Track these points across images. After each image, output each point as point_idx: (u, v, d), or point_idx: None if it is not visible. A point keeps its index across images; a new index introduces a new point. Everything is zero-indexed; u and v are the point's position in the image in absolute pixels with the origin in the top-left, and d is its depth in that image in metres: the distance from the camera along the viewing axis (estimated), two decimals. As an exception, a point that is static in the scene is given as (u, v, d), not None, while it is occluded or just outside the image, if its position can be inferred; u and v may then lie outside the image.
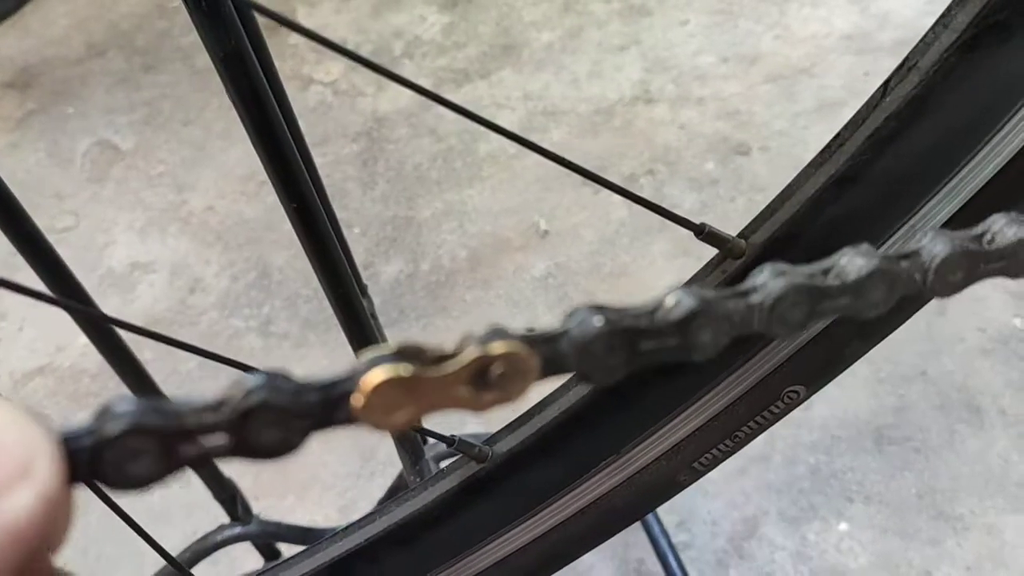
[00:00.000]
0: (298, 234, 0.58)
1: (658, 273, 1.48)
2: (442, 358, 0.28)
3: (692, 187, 1.61)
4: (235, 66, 0.47)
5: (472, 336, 0.28)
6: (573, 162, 0.46)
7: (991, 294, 1.37)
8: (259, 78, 0.47)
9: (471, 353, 0.28)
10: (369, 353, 0.27)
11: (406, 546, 0.58)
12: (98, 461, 0.24)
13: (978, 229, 0.34)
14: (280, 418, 0.26)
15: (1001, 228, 0.33)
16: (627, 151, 1.70)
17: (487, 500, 0.57)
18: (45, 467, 0.22)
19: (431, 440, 0.93)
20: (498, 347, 0.28)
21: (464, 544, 0.59)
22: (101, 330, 0.77)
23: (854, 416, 1.29)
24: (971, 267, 0.32)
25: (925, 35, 0.42)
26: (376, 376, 0.26)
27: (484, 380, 0.28)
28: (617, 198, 1.61)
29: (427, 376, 0.27)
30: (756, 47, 1.84)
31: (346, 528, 0.57)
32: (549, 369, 0.29)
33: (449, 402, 0.28)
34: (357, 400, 0.26)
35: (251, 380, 0.26)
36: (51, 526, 0.22)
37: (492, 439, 0.56)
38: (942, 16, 0.41)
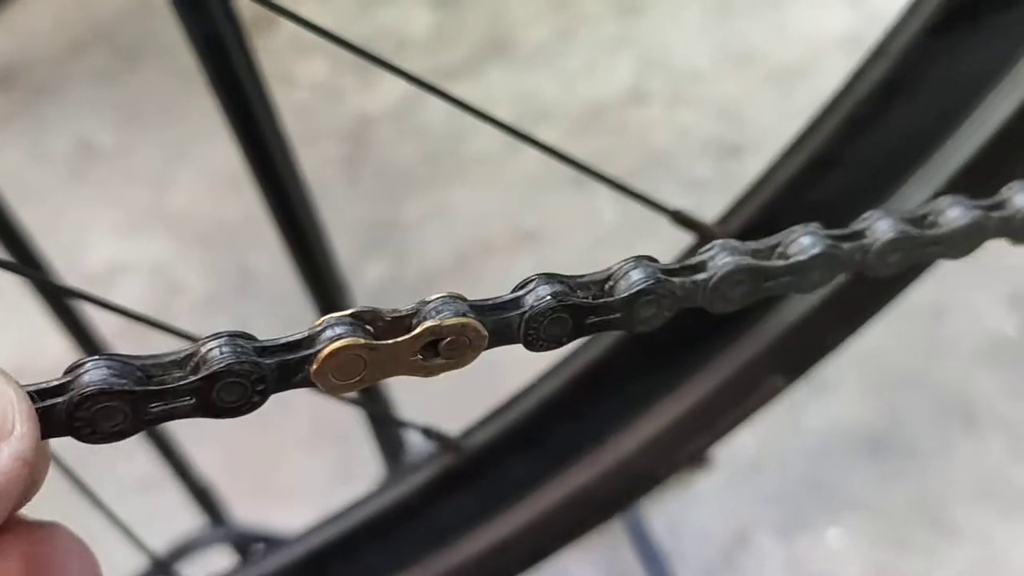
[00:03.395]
0: (281, 230, 0.57)
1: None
2: (396, 326, 0.28)
3: (685, 188, 1.58)
4: (216, 53, 0.44)
5: (425, 306, 0.29)
6: (566, 154, 0.44)
7: (985, 302, 1.35)
8: (245, 66, 0.45)
9: (424, 326, 0.28)
10: (326, 318, 0.28)
11: (382, 539, 0.57)
12: (71, 419, 0.26)
13: (921, 210, 0.33)
14: (241, 380, 0.27)
15: (944, 210, 0.32)
16: (620, 152, 1.67)
17: (463, 493, 0.56)
18: (20, 426, 0.23)
19: (407, 441, 0.91)
20: (449, 320, 0.28)
21: (441, 537, 0.58)
22: (61, 303, 0.75)
23: (846, 422, 1.26)
24: (910, 249, 0.31)
25: (897, 21, 0.41)
26: (335, 344, 0.27)
27: (435, 349, 0.29)
28: (605, 201, 1.58)
29: (381, 345, 0.28)
30: (751, 47, 1.82)
31: (323, 521, 0.56)
32: (498, 340, 0.30)
33: (401, 369, 0.29)
34: (315, 365, 0.28)
35: (212, 341, 0.27)
36: (28, 482, 0.23)
37: (468, 432, 0.54)
38: (913, 1, 0.40)
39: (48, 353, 1.48)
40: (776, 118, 1.68)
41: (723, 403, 0.52)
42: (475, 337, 0.29)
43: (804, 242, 0.29)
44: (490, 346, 0.30)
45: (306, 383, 0.29)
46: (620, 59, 1.85)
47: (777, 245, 0.30)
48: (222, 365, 0.27)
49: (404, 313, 0.29)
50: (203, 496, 1.03)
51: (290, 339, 0.28)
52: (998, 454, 1.20)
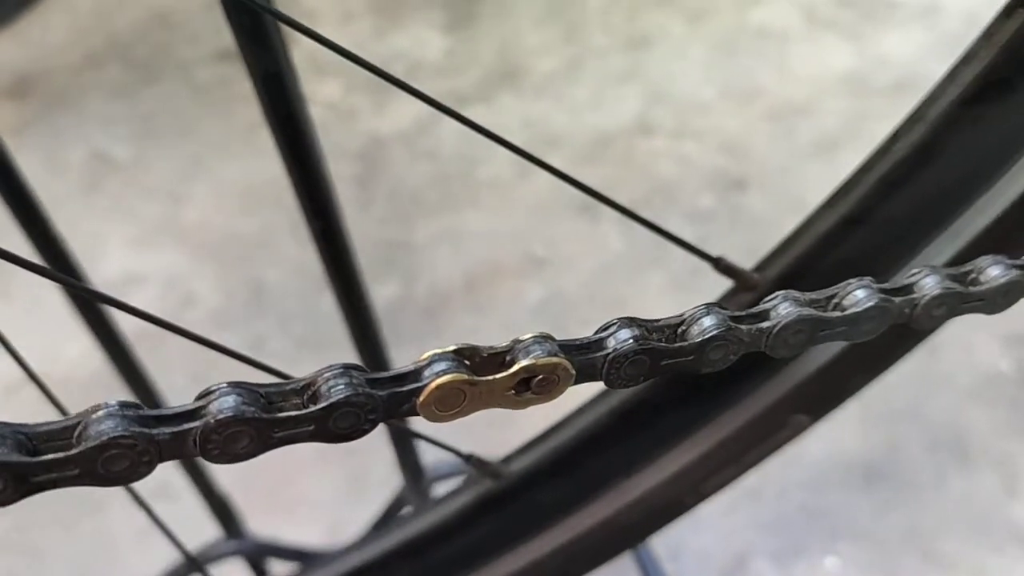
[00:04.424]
0: (320, 251, 0.60)
1: (653, 305, 1.49)
2: (492, 362, 0.31)
3: (690, 220, 1.62)
4: (275, 89, 0.48)
5: (520, 345, 0.32)
6: (588, 186, 0.47)
7: (980, 338, 1.39)
8: (298, 99, 0.48)
9: (521, 364, 0.31)
10: (431, 354, 0.31)
11: (417, 560, 0.59)
12: (205, 441, 0.28)
13: (964, 268, 0.36)
14: (355, 410, 0.30)
15: (984, 268, 0.35)
16: (626, 181, 1.71)
17: (498, 517, 0.58)
18: None
19: (429, 462, 0.94)
20: (543, 360, 0.31)
21: (473, 560, 0.60)
22: (95, 313, 0.77)
23: (844, 453, 1.30)
24: (954, 304, 0.34)
25: (933, 89, 0.44)
26: (440, 380, 0.30)
27: (527, 384, 0.32)
28: (611, 228, 1.62)
29: (482, 380, 0.31)
30: (755, 83, 1.87)
31: (362, 540, 0.58)
32: (583, 378, 0.32)
33: (495, 402, 0.32)
34: (421, 397, 0.30)
35: (327, 372, 0.31)
36: None
37: (507, 459, 0.56)
38: (949, 72, 0.44)
39: (64, 358, 1.50)
40: (778, 153, 1.73)
41: (750, 439, 0.55)
42: (564, 375, 0.32)
43: (859, 295, 0.33)
44: (576, 383, 0.32)
45: (411, 413, 0.31)
46: (627, 91, 1.90)
47: (833, 296, 0.33)
48: (341, 397, 0.30)
49: (500, 350, 0.32)
50: (220, 507, 1.05)
51: (399, 372, 0.31)
52: (991, 488, 1.24)
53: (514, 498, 0.58)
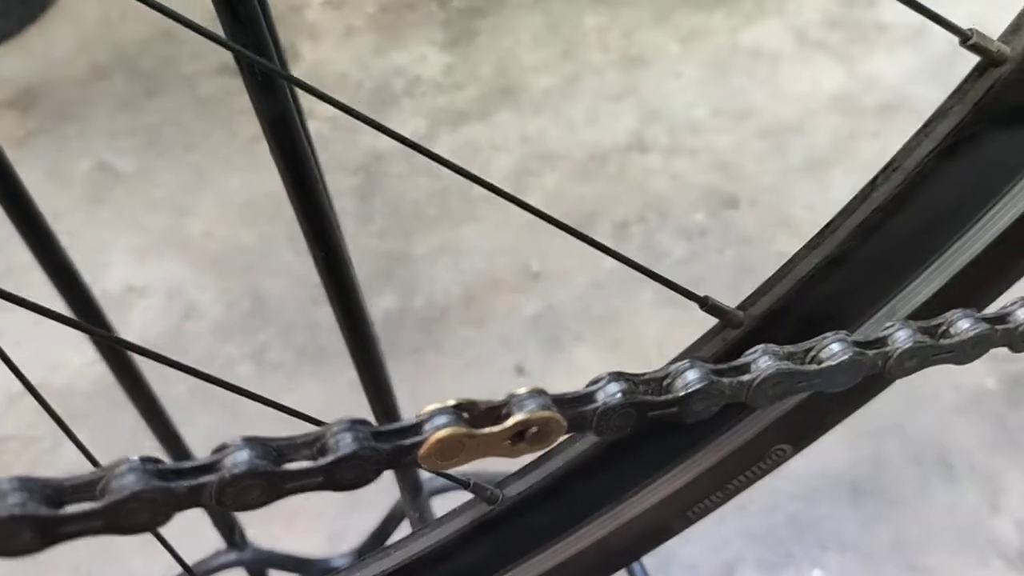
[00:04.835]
0: (323, 280, 0.62)
1: (645, 320, 1.52)
2: (488, 415, 0.34)
3: (682, 236, 1.66)
4: (281, 130, 0.51)
5: (515, 399, 0.34)
6: (559, 220, 0.49)
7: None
8: (302, 142, 0.51)
9: (516, 418, 0.33)
10: (431, 409, 0.33)
11: None
12: (221, 494, 0.30)
13: (935, 321, 0.39)
14: (362, 463, 0.31)
15: (955, 322, 0.38)
16: (620, 197, 1.74)
17: (491, 540, 0.60)
18: None
19: (427, 476, 0.96)
20: (537, 414, 0.33)
21: None
22: (116, 354, 0.80)
23: (831, 467, 1.33)
24: (925, 356, 0.37)
25: (909, 140, 0.48)
26: (440, 433, 0.32)
27: (522, 436, 0.34)
28: (606, 245, 1.65)
29: (479, 434, 0.33)
30: (747, 102, 1.90)
31: (362, 560, 0.60)
32: (574, 428, 0.35)
33: (492, 451, 0.34)
34: (423, 450, 0.33)
35: (335, 427, 0.32)
36: None
37: (502, 483, 0.59)
38: (925, 125, 0.47)
39: (66, 367, 1.53)
40: (769, 171, 1.77)
41: (735, 468, 0.57)
42: (556, 427, 0.34)
43: (834, 348, 0.35)
44: (567, 432, 0.35)
45: (413, 463, 0.33)
46: (623, 108, 1.93)
47: (810, 350, 0.36)
48: (349, 451, 0.32)
49: (496, 404, 0.35)
50: (222, 518, 1.07)
51: (402, 426, 0.33)
52: (976, 504, 1.27)
53: (508, 521, 0.60)
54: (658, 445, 0.58)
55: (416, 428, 0.33)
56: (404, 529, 1.05)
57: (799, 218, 1.64)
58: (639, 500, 0.59)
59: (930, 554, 1.23)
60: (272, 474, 0.31)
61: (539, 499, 0.59)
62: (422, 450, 0.32)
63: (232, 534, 1.09)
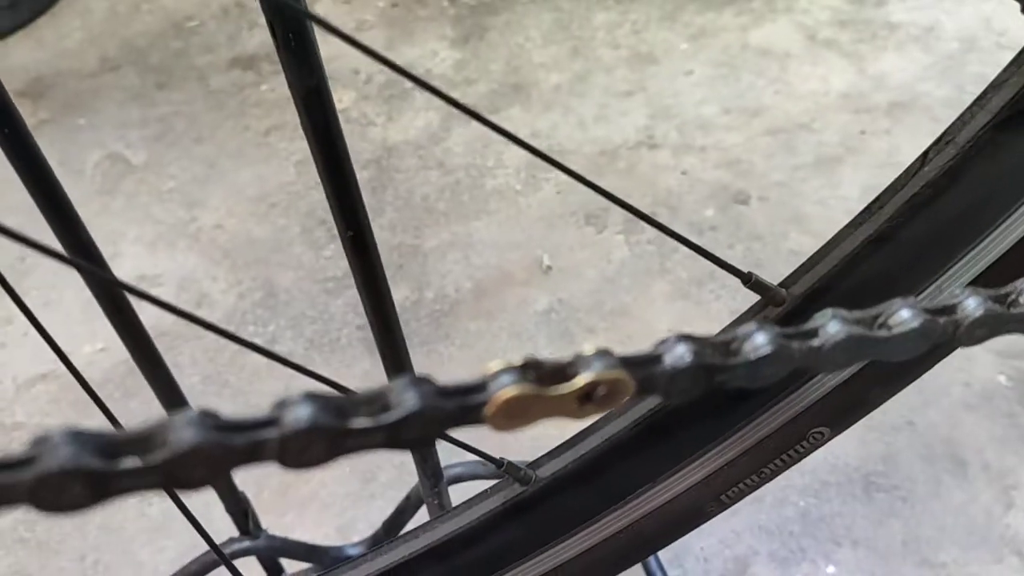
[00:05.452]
0: (349, 259, 0.62)
1: (657, 314, 1.53)
2: (556, 375, 0.32)
3: (692, 232, 1.66)
4: (314, 102, 0.51)
5: (584, 359, 0.33)
6: (608, 191, 0.49)
7: (977, 351, 1.42)
8: (334, 114, 0.51)
9: (585, 378, 0.32)
10: (497, 367, 0.32)
11: (443, 563, 0.61)
12: (283, 449, 0.30)
13: (1004, 290, 0.38)
14: (423, 421, 0.30)
15: None
16: (630, 193, 1.75)
17: (524, 522, 0.60)
18: None
19: (446, 462, 0.96)
20: (606, 374, 0.32)
21: (497, 564, 0.62)
22: (116, 303, 0.78)
23: (844, 463, 1.33)
24: (995, 325, 0.37)
25: (963, 113, 0.47)
26: (507, 392, 0.31)
27: (589, 397, 0.33)
28: (618, 238, 1.66)
29: (547, 393, 0.32)
30: (757, 100, 1.91)
31: (390, 542, 0.60)
32: (642, 391, 0.34)
33: (558, 412, 0.33)
34: (488, 409, 0.31)
35: (398, 383, 0.31)
36: None
37: (535, 463, 0.59)
38: (979, 97, 0.46)
39: (78, 356, 1.52)
40: (779, 168, 1.77)
41: (772, 451, 0.57)
42: (625, 388, 0.33)
43: (904, 315, 0.35)
44: (635, 396, 0.34)
45: (477, 422, 0.32)
46: (632, 105, 1.93)
47: (879, 316, 0.35)
48: (414, 408, 0.31)
49: (563, 363, 0.35)
50: (236, 505, 1.07)
51: (469, 384, 0.32)
52: (987, 499, 1.28)
53: (541, 503, 0.60)
54: (695, 426, 0.57)
55: (482, 387, 0.32)
56: (421, 517, 1.05)
57: (809, 214, 1.65)
58: (675, 482, 0.59)
59: (943, 550, 1.23)
60: (336, 430, 0.30)
61: (573, 480, 0.59)
62: (489, 408, 0.31)
63: (245, 521, 1.09)
